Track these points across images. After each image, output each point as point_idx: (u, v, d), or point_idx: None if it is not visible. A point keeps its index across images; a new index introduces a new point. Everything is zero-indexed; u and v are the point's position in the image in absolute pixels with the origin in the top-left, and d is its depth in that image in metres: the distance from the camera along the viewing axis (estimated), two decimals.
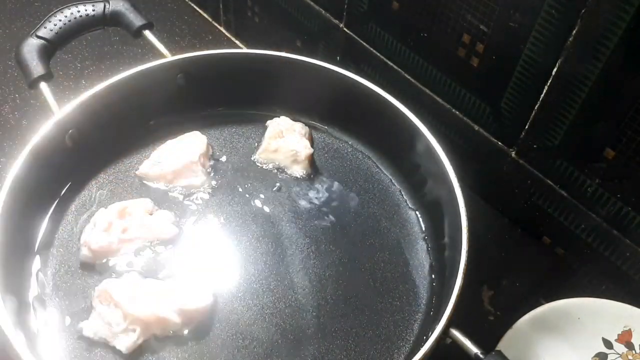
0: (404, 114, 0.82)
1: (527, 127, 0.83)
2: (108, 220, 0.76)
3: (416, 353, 0.63)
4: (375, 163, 0.90)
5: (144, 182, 0.85)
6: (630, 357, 0.79)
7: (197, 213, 0.82)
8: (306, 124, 0.91)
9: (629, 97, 0.70)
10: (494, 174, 0.92)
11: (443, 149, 0.78)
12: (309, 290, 0.76)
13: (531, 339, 0.78)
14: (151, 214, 0.80)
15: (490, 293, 0.87)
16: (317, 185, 0.87)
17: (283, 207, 0.84)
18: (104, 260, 0.76)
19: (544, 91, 0.78)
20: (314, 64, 0.87)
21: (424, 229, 0.83)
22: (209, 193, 0.84)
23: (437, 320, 0.66)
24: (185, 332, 0.71)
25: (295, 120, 0.91)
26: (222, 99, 0.93)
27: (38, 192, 0.77)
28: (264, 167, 0.88)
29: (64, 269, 0.76)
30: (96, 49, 1.18)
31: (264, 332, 0.73)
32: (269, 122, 0.90)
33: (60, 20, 0.86)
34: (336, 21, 1.01)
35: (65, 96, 0.84)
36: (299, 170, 0.87)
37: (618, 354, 0.79)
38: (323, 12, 1.02)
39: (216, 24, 1.29)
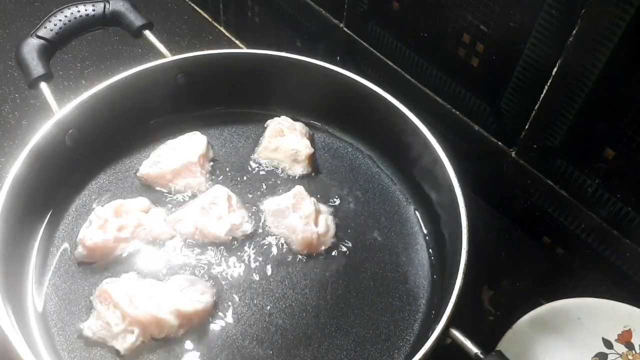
0: (404, 114, 0.82)
1: (527, 127, 0.83)
2: (104, 218, 0.76)
3: (416, 353, 0.63)
4: (375, 163, 0.90)
5: (143, 181, 0.85)
6: (630, 357, 0.79)
7: None
8: (306, 124, 0.91)
9: (629, 97, 0.70)
10: (494, 174, 0.92)
11: (443, 149, 0.78)
12: (308, 290, 0.76)
13: (531, 339, 0.78)
14: (147, 213, 0.80)
15: (490, 293, 0.87)
16: (317, 185, 0.87)
17: None
18: (102, 260, 0.76)
19: (544, 91, 0.78)
20: (314, 64, 0.87)
21: (424, 228, 0.83)
22: None
23: (437, 320, 0.66)
24: (185, 333, 0.71)
25: (295, 120, 0.91)
26: (222, 99, 0.93)
27: (38, 192, 0.77)
28: (264, 166, 0.88)
29: (64, 269, 0.76)
30: (96, 49, 1.18)
31: (264, 332, 0.73)
32: (269, 122, 0.90)
33: (60, 20, 0.86)
34: (336, 21, 1.01)
35: (65, 96, 0.84)
36: (299, 170, 0.87)
37: (618, 354, 0.79)
38: (323, 12, 1.02)
39: (216, 24, 1.29)
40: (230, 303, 0.74)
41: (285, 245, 0.79)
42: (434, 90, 0.92)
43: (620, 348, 0.79)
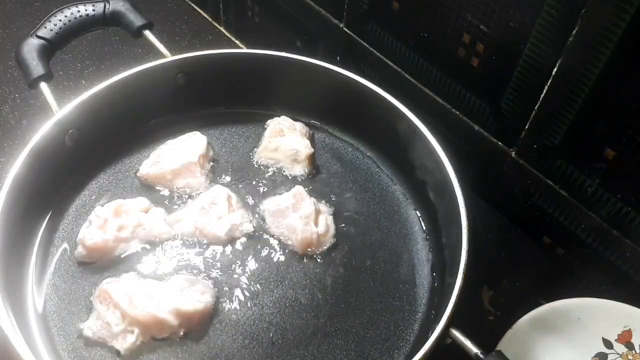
0: (404, 114, 0.82)
1: (527, 127, 0.83)
2: (103, 218, 0.76)
3: (416, 353, 0.63)
4: (375, 163, 0.90)
5: (143, 181, 0.85)
6: (630, 357, 0.79)
7: None
8: (306, 124, 0.91)
9: (629, 97, 0.70)
10: (494, 174, 0.92)
11: (443, 149, 0.78)
12: (308, 290, 0.76)
13: (531, 339, 0.78)
14: (147, 213, 0.80)
15: (490, 293, 0.87)
16: (317, 185, 0.87)
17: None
18: (102, 260, 0.76)
19: (544, 91, 0.78)
20: (314, 64, 0.87)
21: (424, 228, 0.83)
22: None
23: (437, 320, 0.66)
24: (185, 333, 0.71)
25: (295, 120, 0.91)
26: (222, 99, 0.93)
27: (38, 192, 0.77)
28: (264, 166, 0.88)
29: (64, 269, 0.76)
30: (96, 49, 1.18)
31: (264, 332, 0.73)
32: (269, 121, 0.90)
33: (60, 20, 0.86)
34: (336, 21, 1.01)
35: (65, 96, 0.84)
36: (299, 170, 0.87)
37: (618, 354, 0.79)
38: (323, 12, 1.02)
39: (216, 24, 1.29)
40: (230, 303, 0.74)
41: (285, 245, 0.79)
42: (434, 90, 0.92)
43: (620, 348, 0.79)
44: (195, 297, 0.72)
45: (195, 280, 0.74)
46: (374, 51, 0.97)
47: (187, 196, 0.83)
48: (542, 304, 0.80)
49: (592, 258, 0.86)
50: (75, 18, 0.87)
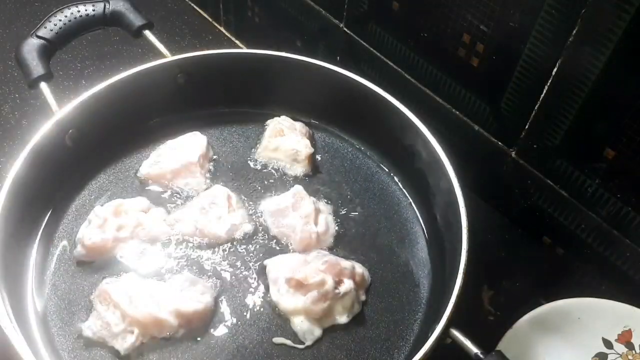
0: (404, 114, 0.82)
1: (527, 127, 0.83)
2: (103, 217, 0.76)
3: (416, 353, 0.63)
4: (375, 163, 0.90)
5: (143, 182, 0.85)
6: (630, 357, 0.79)
7: None
8: (306, 124, 0.92)
9: (629, 97, 0.70)
10: (494, 174, 0.92)
11: (443, 149, 0.78)
12: None
13: (531, 339, 0.78)
14: (146, 213, 0.80)
15: (490, 293, 0.87)
16: (317, 185, 0.87)
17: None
18: (101, 259, 0.76)
19: (544, 91, 0.78)
20: (314, 64, 0.87)
21: (424, 228, 0.83)
22: None
23: (437, 320, 0.66)
24: (185, 333, 0.71)
25: (295, 119, 0.91)
26: (222, 99, 0.93)
27: (38, 192, 0.77)
28: (264, 166, 0.88)
29: (64, 269, 0.76)
30: (96, 49, 1.18)
31: (265, 332, 0.73)
32: (269, 121, 0.91)
33: (60, 20, 0.86)
34: (336, 21, 1.01)
35: (65, 96, 0.84)
36: (299, 170, 0.87)
37: (618, 354, 0.79)
38: (323, 12, 1.02)
39: (216, 24, 1.29)
40: (230, 303, 0.74)
41: (285, 245, 0.79)
42: (434, 90, 0.92)
43: (620, 348, 0.79)
44: (195, 297, 0.72)
45: (195, 281, 0.74)
46: (374, 51, 0.97)
47: (186, 196, 0.83)
48: (542, 304, 0.80)
49: (592, 258, 0.86)
50: (75, 18, 0.87)
